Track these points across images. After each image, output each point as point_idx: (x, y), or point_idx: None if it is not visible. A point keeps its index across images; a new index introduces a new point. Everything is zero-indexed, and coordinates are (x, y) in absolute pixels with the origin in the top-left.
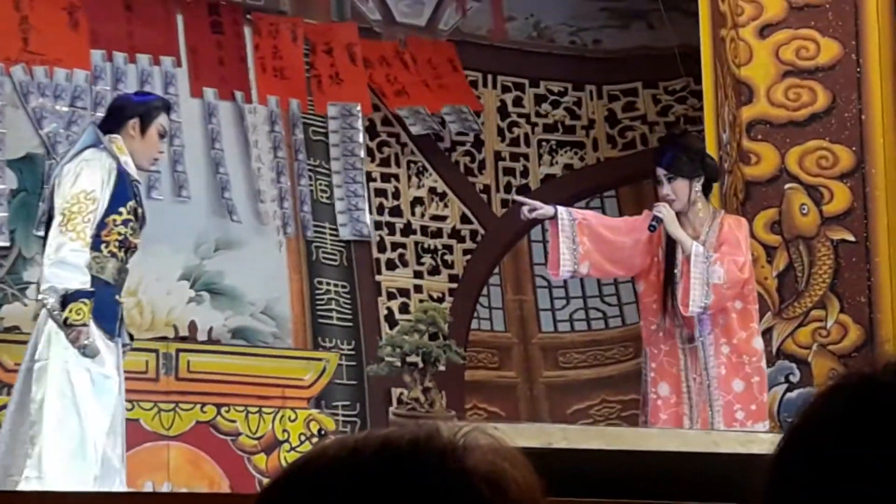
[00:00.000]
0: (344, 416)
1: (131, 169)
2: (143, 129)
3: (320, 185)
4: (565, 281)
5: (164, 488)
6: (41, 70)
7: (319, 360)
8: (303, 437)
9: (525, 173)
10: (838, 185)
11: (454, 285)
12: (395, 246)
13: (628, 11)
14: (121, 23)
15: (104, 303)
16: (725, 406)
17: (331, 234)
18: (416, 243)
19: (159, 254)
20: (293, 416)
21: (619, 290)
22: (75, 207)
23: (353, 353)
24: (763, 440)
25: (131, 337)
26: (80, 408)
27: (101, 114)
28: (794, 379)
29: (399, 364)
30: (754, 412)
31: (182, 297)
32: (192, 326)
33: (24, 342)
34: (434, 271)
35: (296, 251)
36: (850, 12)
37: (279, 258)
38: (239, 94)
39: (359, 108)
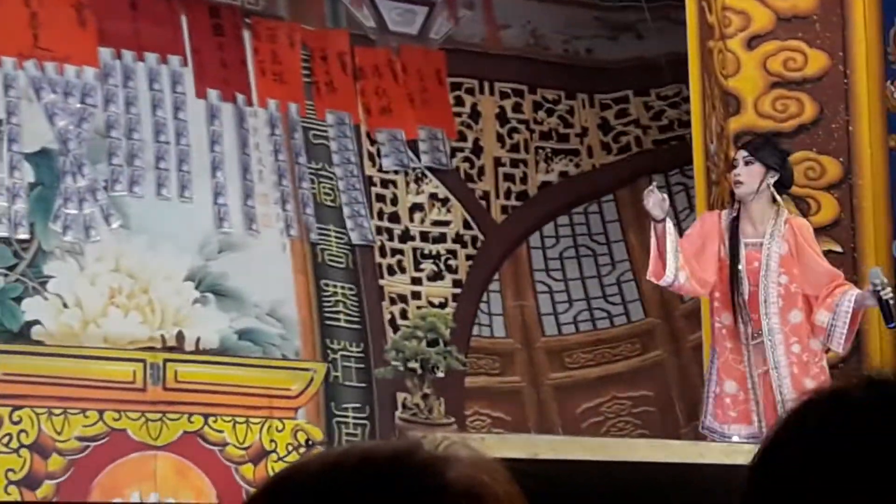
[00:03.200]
0: (354, 418)
1: None
2: None
3: (324, 188)
4: (567, 284)
5: (152, 499)
6: (52, 66)
7: (307, 370)
8: (290, 448)
9: (524, 179)
10: (825, 196)
11: (458, 290)
12: (394, 252)
13: (618, 23)
14: (127, 21)
15: None
16: None
17: (336, 237)
18: (415, 249)
19: (166, 253)
20: (280, 427)
21: (622, 290)
22: None
23: (361, 355)
24: (747, 451)
25: None
26: None
27: (113, 110)
28: None
29: (402, 369)
30: None
31: (188, 297)
32: (180, 336)
33: (17, 346)
34: (436, 277)
35: (301, 253)
36: (837, 24)
37: (283, 260)
38: (241, 97)
39: (351, 116)
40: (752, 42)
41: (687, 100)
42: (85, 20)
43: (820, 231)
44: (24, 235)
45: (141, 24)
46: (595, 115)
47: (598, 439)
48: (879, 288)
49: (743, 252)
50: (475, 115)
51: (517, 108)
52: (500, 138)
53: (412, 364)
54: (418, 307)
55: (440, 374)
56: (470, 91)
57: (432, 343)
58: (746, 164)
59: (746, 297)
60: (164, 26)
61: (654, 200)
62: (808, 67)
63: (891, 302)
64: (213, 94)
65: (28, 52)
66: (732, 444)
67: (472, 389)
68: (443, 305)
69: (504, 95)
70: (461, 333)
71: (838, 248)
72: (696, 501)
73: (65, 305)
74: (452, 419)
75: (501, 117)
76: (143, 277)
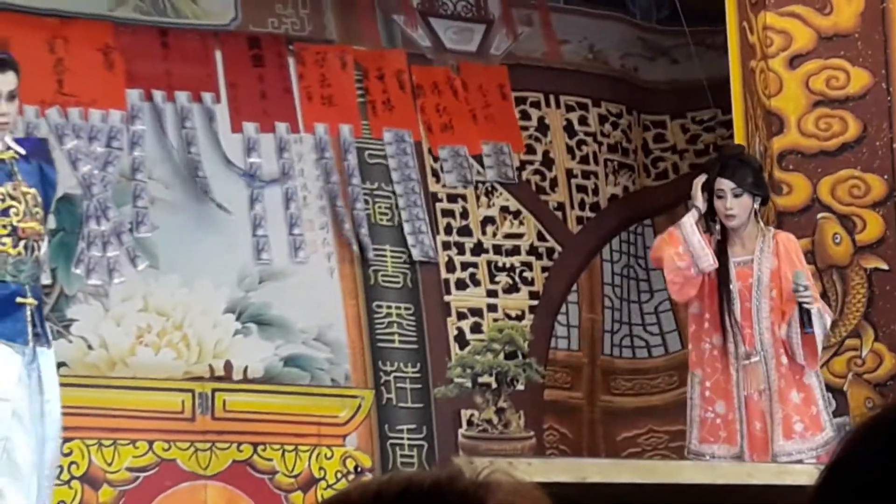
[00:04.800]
0: (410, 439)
1: None
2: None
3: (380, 208)
4: (621, 304)
5: None
6: (76, 111)
7: (354, 397)
8: (339, 475)
9: (596, 191)
10: (870, 214)
11: (534, 302)
12: (465, 266)
13: (655, 45)
14: (158, 61)
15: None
16: (784, 419)
17: (393, 256)
18: (489, 262)
19: (202, 289)
20: (329, 454)
21: (660, 319)
22: None
23: (418, 375)
24: (796, 471)
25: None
26: None
27: (137, 153)
28: (830, 408)
29: (470, 385)
30: (810, 424)
31: (228, 329)
32: (228, 366)
33: (70, 377)
34: (511, 289)
35: (350, 276)
36: (879, 41)
37: (331, 285)
38: (282, 126)
39: (410, 134)
40: (794, 61)
41: (724, 124)
42: (112, 63)
43: (866, 249)
44: (45, 281)
45: (172, 62)
46: (639, 135)
47: (645, 462)
48: (800, 290)
49: (734, 271)
50: (543, 127)
51: (583, 120)
52: (569, 150)
53: (485, 378)
54: (494, 320)
55: (520, 387)
56: (535, 104)
57: (510, 356)
58: (735, 196)
59: (738, 316)
60: (197, 63)
61: (698, 192)
62: (850, 86)
63: (805, 306)
64: (249, 127)
65: (51, 99)
66: (781, 465)
67: (549, 403)
68: (519, 318)
69: (570, 108)
70: (539, 346)
71: (884, 266)
72: None
73: (90, 347)
74: (532, 433)
75: (569, 129)
76: (176, 314)
